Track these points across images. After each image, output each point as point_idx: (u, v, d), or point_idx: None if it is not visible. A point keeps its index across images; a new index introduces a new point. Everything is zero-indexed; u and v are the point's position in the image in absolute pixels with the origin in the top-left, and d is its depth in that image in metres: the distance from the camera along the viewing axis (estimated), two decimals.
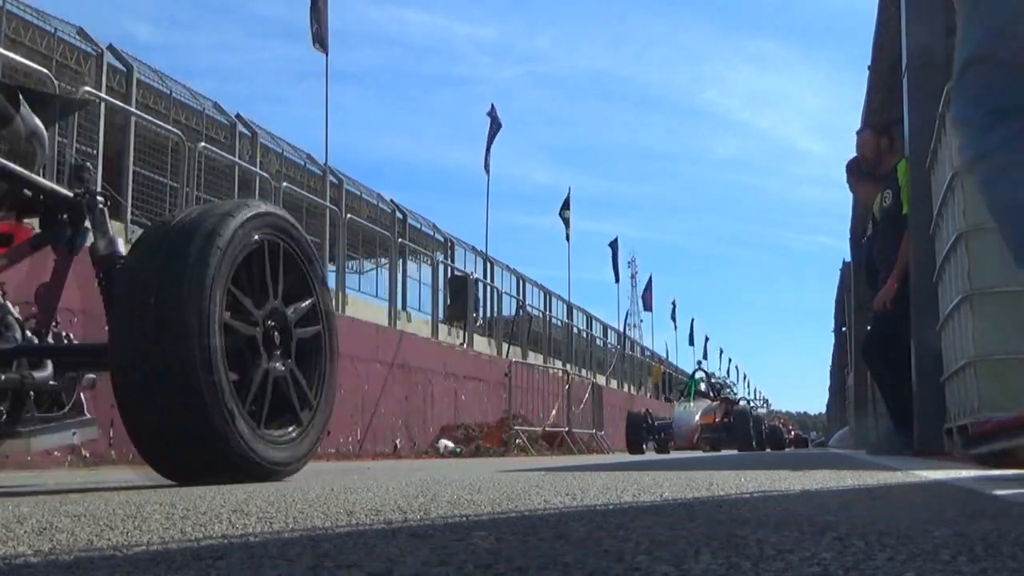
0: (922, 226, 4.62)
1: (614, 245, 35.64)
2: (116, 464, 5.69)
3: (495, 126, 21.21)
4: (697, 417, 15.35)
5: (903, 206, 5.50)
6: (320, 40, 14.72)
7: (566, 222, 27.22)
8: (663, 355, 41.74)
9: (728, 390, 28.34)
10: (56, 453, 5.33)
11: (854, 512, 1.41)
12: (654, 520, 1.33)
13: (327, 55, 15.00)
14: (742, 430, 15.09)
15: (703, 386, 17.80)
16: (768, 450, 18.78)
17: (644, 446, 14.36)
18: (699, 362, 22.80)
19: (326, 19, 14.98)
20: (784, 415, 53.73)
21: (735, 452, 13.20)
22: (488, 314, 18.89)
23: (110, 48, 10.56)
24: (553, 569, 0.90)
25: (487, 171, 21.08)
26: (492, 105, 21.82)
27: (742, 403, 19.83)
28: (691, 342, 54.29)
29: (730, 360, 63.25)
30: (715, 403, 16.35)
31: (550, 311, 22.53)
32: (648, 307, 45.67)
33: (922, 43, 5.04)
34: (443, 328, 14.73)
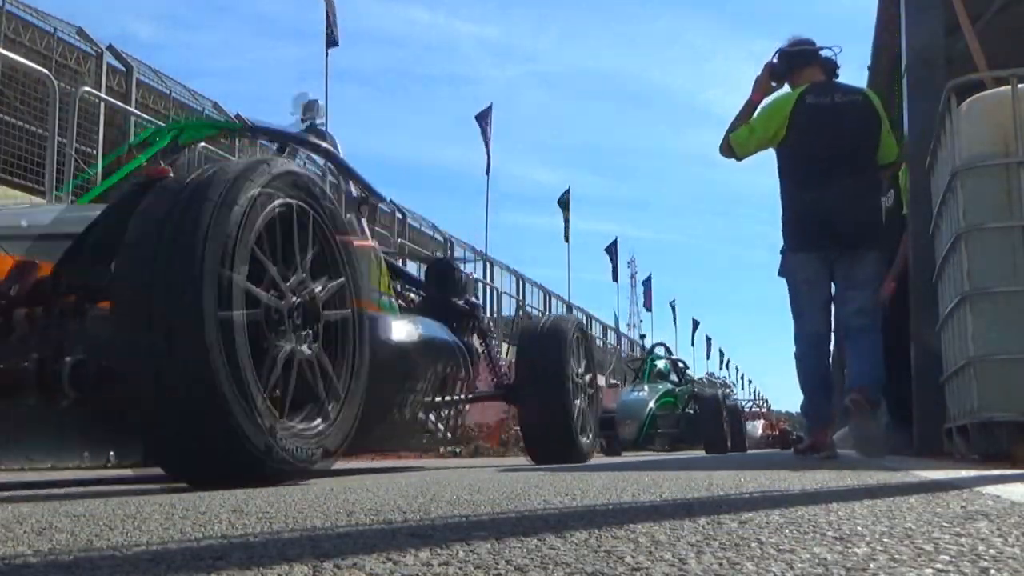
0: (921, 226, 4.62)
1: (612, 247, 35.75)
2: (115, 464, 5.68)
3: (485, 121, 21.25)
4: (652, 404, 11.42)
5: (902, 206, 5.51)
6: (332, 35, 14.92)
7: (566, 222, 27.28)
8: None
9: (727, 390, 26.62)
10: None
11: (855, 512, 1.41)
12: (654, 520, 1.33)
13: (327, 53, 15.07)
14: (710, 423, 11.10)
15: (661, 365, 13.34)
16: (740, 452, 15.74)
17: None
18: (645, 341, 14.80)
19: (335, 16, 15.07)
20: (785, 415, 53.60)
21: (702, 453, 10.54)
22: (487, 314, 18.89)
23: (110, 48, 10.55)
24: (553, 569, 0.90)
25: (491, 170, 21.15)
26: (490, 106, 21.93)
27: (715, 390, 14.62)
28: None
29: (730, 360, 63.35)
30: (679, 388, 12.49)
31: (550, 311, 22.51)
32: (648, 307, 45.84)
33: (922, 43, 5.03)
34: None
